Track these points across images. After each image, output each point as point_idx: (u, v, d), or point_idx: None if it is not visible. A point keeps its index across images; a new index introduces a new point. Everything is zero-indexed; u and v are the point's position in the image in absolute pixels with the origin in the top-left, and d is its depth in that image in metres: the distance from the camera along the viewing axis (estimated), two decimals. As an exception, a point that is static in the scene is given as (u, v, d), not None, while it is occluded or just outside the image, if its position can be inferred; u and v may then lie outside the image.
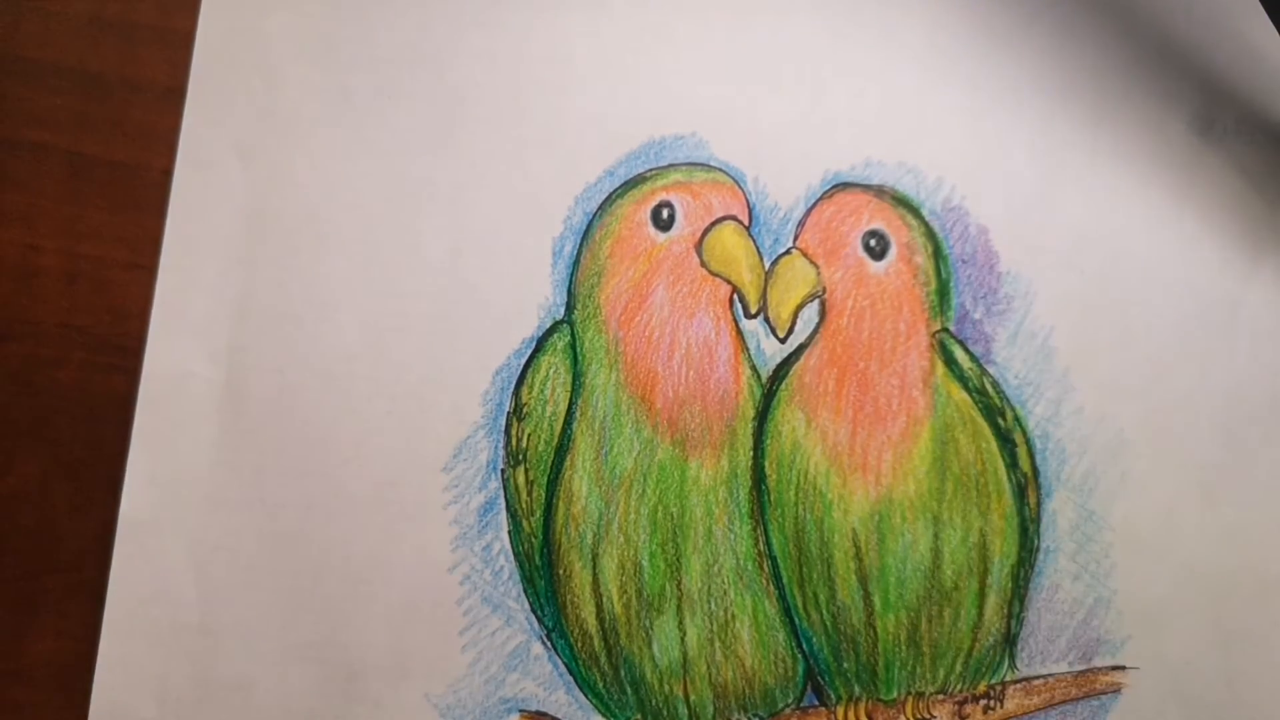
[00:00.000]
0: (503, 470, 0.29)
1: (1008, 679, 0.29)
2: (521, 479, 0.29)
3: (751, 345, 0.30)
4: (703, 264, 0.30)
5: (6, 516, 0.29)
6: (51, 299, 0.29)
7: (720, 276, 0.30)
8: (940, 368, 0.30)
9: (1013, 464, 0.30)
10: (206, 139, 0.30)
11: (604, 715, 0.29)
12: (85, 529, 0.29)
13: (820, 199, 0.30)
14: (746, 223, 0.30)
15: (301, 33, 0.30)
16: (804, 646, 0.29)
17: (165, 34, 0.30)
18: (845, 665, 0.29)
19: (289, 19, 0.30)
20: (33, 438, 0.29)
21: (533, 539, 0.29)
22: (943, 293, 0.30)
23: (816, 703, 0.29)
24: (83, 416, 0.29)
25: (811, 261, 0.30)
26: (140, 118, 0.30)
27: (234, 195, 0.30)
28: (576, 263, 0.30)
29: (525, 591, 0.29)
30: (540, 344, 0.30)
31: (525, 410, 0.29)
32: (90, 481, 0.29)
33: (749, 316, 0.30)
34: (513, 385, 0.29)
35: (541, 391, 0.29)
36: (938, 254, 0.31)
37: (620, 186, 0.30)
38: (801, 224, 0.30)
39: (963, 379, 0.30)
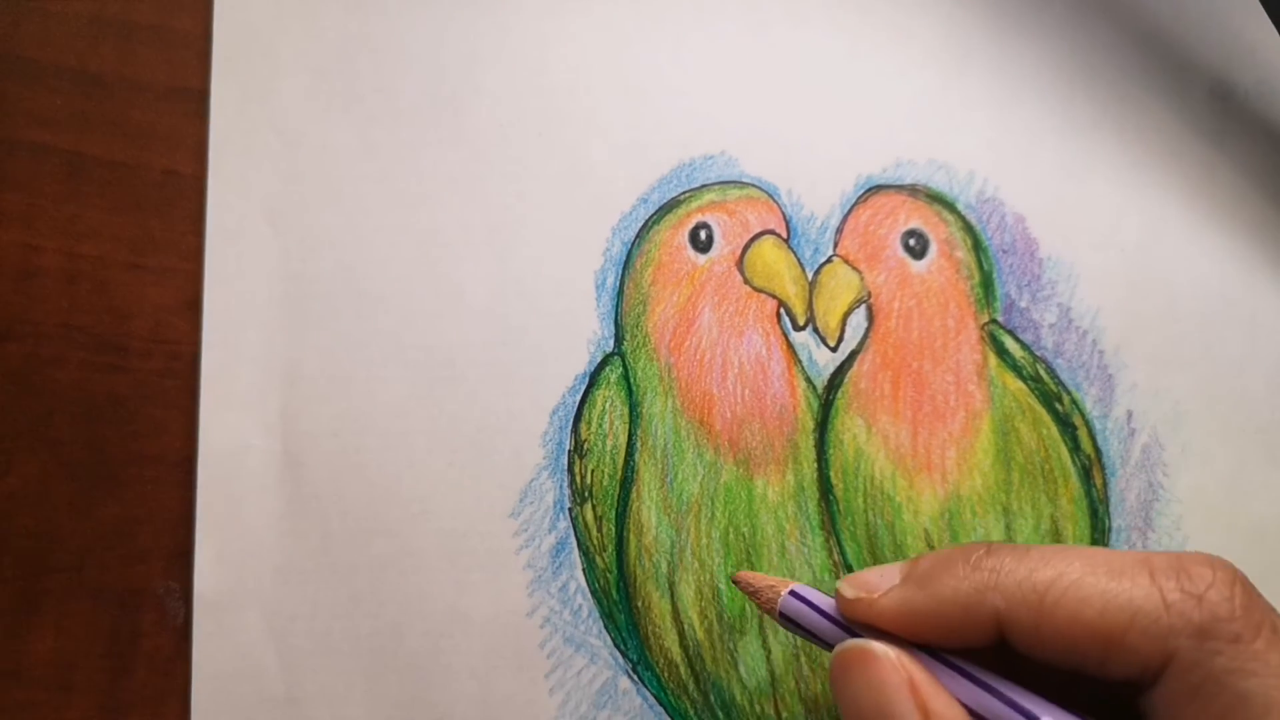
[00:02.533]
0: (570, 509, 0.30)
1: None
2: (590, 516, 0.30)
3: (803, 357, 0.31)
4: (746, 281, 0.32)
5: (6, 516, 0.30)
6: (51, 299, 0.31)
7: (764, 292, 0.31)
8: (993, 359, 0.31)
9: (1075, 447, 0.31)
10: (234, 209, 0.31)
11: (699, 742, 0.30)
12: (85, 529, 0.30)
13: (855, 204, 0.32)
14: (785, 235, 0.32)
15: (318, 91, 0.32)
16: (891, 652, 0.30)
17: (165, 34, 0.32)
18: (932, 666, 0.30)
19: (304, 79, 0.32)
20: (33, 438, 0.30)
21: (607, 574, 0.30)
22: (987, 284, 0.32)
23: (909, 706, 0.30)
24: (83, 416, 0.30)
25: (854, 267, 0.32)
26: (140, 118, 0.31)
27: (268, 262, 0.31)
28: (620, 293, 0.31)
29: (606, 627, 0.30)
30: (593, 379, 0.31)
31: (586, 447, 0.31)
32: (90, 481, 0.30)
33: (797, 329, 0.31)
34: (570, 423, 0.31)
35: (600, 426, 0.31)
36: (978, 247, 0.32)
37: (655, 213, 0.32)
38: (839, 231, 0.32)
39: (1016, 368, 0.31)
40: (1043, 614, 0.21)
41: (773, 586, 0.26)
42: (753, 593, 0.26)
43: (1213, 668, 0.19)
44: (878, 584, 0.23)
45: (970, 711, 0.21)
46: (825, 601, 0.25)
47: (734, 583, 0.28)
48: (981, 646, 0.22)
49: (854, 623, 0.24)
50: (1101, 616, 0.20)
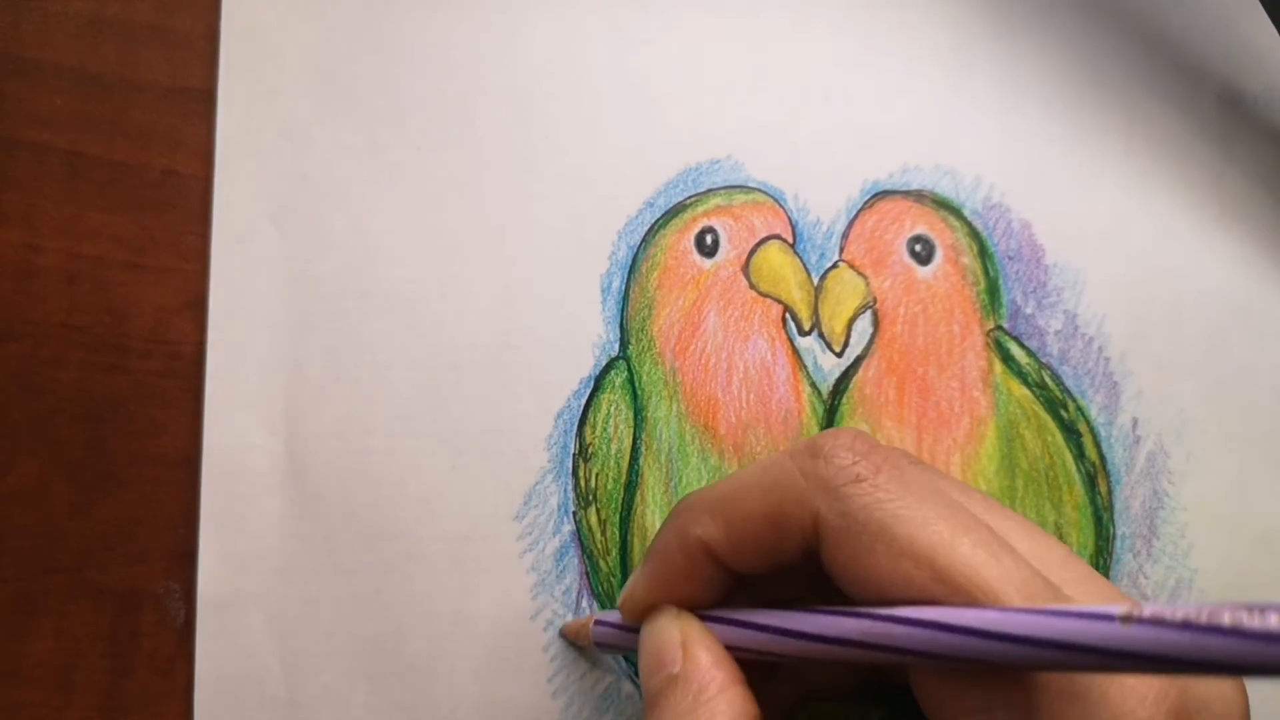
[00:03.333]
0: (574, 513, 0.31)
1: (1095, 669, 0.32)
2: (594, 519, 0.31)
3: (808, 362, 0.32)
4: (751, 286, 0.32)
5: (6, 516, 0.30)
6: (51, 299, 0.31)
7: (770, 297, 0.32)
8: (998, 366, 0.32)
9: (1080, 454, 0.32)
10: (240, 210, 0.32)
11: (701, 747, 0.31)
12: (85, 529, 0.30)
13: (861, 209, 0.33)
14: (791, 240, 0.33)
15: (323, 92, 0.32)
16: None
17: (165, 34, 0.32)
18: (936, 672, 0.31)
19: (311, 79, 0.32)
20: (33, 438, 0.31)
21: (611, 578, 0.31)
22: (992, 291, 0.33)
23: (911, 712, 0.31)
24: (83, 416, 0.31)
25: (859, 273, 0.32)
26: (140, 118, 0.32)
27: (274, 264, 0.32)
28: (626, 297, 0.32)
29: (609, 631, 0.31)
30: (598, 382, 0.32)
31: (590, 450, 0.31)
32: (90, 481, 0.31)
33: (803, 334, 0.32)
34: (575, 427, 0.31)
35: (604, 430, 0.32)
36: (983, 253, 0.33)
37: (661, 217, 0.32)
38: (845, 236, 0.33)
39: (1021, 375, 0.32)
40: (727, 524, 0.24)
41: (584, 624, 0.29)
42: (574, 637, 0.30)
43: (846, 509, 0.22)
44: (631, 581, 0.27)
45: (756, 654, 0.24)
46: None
47: (561, 636, 0.31)
48: (726, 587, 0.26)
49: (635, 620, 0.27)
50: (762, 504, 0.24)
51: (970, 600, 0.20)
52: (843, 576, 0.23)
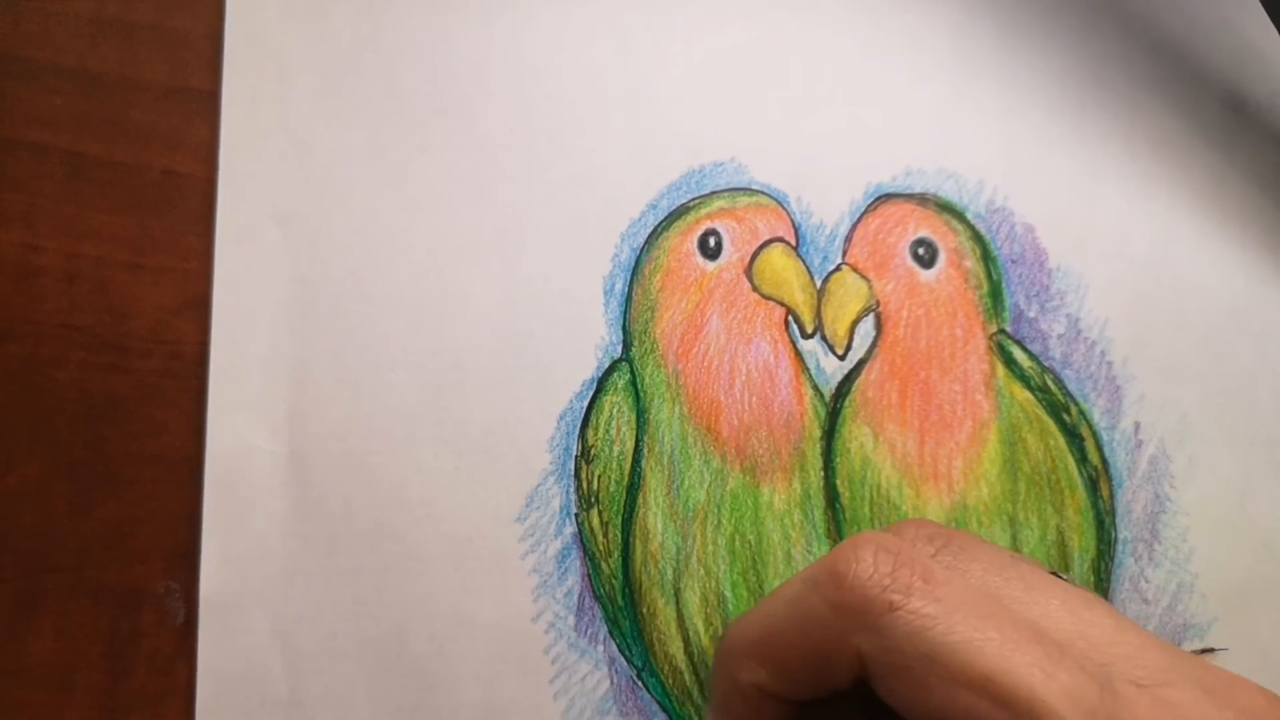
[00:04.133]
0: (576, 514, 0.32)
1: (1097, 673, 0.32)
2: (596, 521, 0.32)
3: (811, 365, 0.33)
4: (754, 289, 0.33)
5: (6, 516, 0.31)
6: (51, 299, 0.31)
7: (773, 299, 0.33)
8: (1000, 369, 0.33)
9: (1082, 458, 0.33)
10: (243, 212, 0.32)
11: (702, 749, 0.31)
12: (85, 529, 0.31)
13: (865, 213, 0.33)
14: (794, 243, 0.33)
15: (328, 93, 0.33)
16: (895, 661, 0.32)
17: (165, 34, 0.33)
18: (937, 675, 0.32)
19: (314, 81, 0.33)
20: (33, 438, 0.31)
21: (613, 580, 0.32)
22: (995, 294, 0.33)
23: (912, 716, 0.32)
24: (83, 416, 0.31)
25: (862, 276, 0.33)
26: (140, 118, 0.32)
27: (277, 265, 0.32)
28: (629, 299, 0.33)
29: (611, 633, 0.31)
30: (601, 384, 0.32)
31: (593, 452, 0.32)
32: (90, 481, 0.31)
33: (805, 337, 0.33)
34: (578, 428, 0.32)
35: (607, 432, 0.32)
36: (986, 256, 0.33)
37: (664, 219, 0.33)
38: (848, 239, 0.33)
39: (1024, 378, 0.33)
40: (773, 666, 0.23)
41: None
42: None
43: (889, 645, 0.21)
44: None
45: None
46: None
47: None
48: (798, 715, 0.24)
49: None
50: (800, 644, 0.22)
51: None
52: (901, 708, 0.21)
